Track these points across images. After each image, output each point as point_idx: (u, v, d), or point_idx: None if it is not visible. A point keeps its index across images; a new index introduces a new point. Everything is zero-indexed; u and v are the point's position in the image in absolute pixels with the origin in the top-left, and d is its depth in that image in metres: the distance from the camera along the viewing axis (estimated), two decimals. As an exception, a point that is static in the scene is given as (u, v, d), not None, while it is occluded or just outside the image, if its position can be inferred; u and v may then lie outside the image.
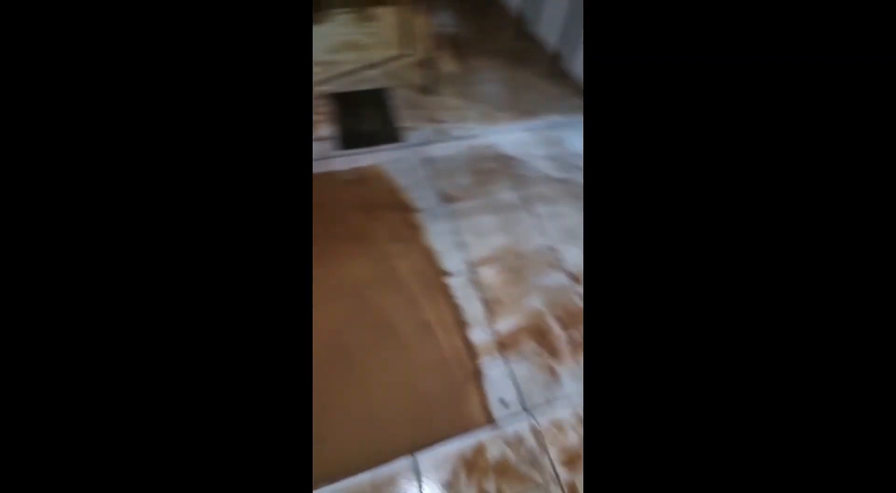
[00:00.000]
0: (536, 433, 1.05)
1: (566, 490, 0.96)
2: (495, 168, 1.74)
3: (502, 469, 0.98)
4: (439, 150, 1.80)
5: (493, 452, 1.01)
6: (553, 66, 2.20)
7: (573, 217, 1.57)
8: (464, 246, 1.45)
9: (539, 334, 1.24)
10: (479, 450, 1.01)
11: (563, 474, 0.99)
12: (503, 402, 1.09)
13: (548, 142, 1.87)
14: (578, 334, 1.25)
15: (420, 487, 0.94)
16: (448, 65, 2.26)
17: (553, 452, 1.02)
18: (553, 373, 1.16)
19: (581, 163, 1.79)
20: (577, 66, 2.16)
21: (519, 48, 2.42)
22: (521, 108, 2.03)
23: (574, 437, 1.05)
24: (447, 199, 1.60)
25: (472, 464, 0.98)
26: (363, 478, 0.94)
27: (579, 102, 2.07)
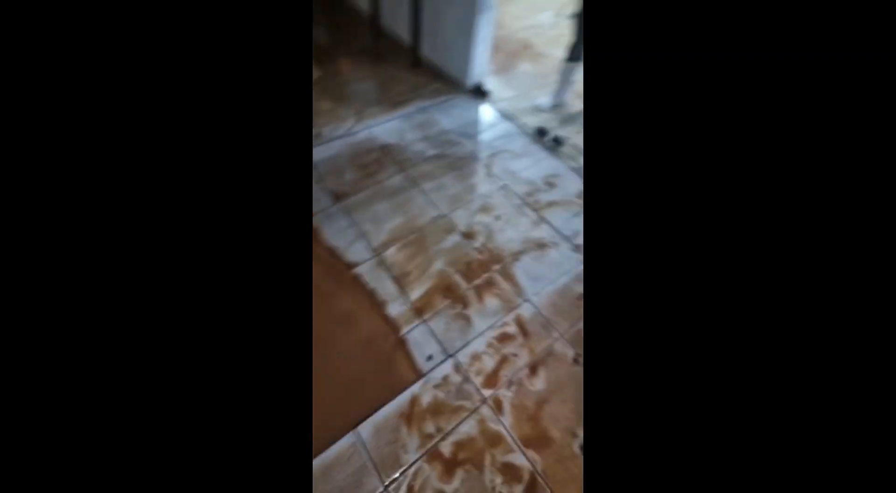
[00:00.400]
0: (459, 369, 1.19)
1: (493, 405, 1.13)
2: (378, 158, 1.84)
3: (437, 409, 1.11)
4: (320, 153, 1.84)
5: (426, 398, 1.12)
6: (413, 57, 2.36)
7: (455, 186, 1.75)
8: (364, 235, 1.53)
9: (447, 290, 1.39)
10: (414, 401, 1.12)
11: (487, 393, 1.15)
12: (429, 358, 1.21)
13: (420, 125, 2.03)
14: (479, 280, 1.42)
15: (368, 453, 1.01)
16: (311, 71, 2.28)
17: (476, 379, 1.17)
18: (466, 319, 1.32)
19: (451, 137, 1.98)
20: (428, 53, 2.35)
21: (378, 46, 2.54)
22: (390, 100, 2.15)
23: (489, 361, 1.22)
24: (339, 197, 1.66)
25: (410, 415, 1.09)
26: (314, 465, 0.98)
27: (439, 85, 2.26)
